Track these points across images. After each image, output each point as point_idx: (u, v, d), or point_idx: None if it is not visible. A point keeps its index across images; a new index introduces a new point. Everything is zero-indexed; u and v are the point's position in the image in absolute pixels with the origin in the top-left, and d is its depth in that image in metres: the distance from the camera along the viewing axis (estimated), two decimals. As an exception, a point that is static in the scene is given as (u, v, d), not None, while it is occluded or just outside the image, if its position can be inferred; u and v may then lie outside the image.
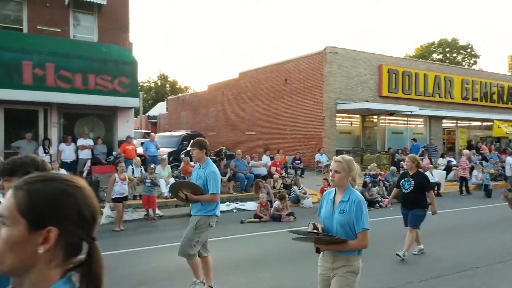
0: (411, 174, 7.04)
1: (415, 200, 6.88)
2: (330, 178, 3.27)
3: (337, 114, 19.82)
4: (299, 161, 17.18)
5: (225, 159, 14.38)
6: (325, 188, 10.84)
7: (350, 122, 21.57)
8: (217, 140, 24.49)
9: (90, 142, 13.08)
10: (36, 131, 12.92)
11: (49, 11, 13.08)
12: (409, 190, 6.93)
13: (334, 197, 3.27)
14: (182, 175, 13.11)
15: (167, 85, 57.78)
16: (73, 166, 12.56)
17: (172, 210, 11.42)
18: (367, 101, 19.67)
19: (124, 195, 9.62)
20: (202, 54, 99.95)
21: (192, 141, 5.59)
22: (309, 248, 3.62)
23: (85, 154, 12.81)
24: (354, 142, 21.58)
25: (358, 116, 21.48)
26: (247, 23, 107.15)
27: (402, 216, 7.23)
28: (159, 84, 57.49)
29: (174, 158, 15.85)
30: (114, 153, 13.65)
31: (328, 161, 16.55)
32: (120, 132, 14.14)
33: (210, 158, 5.86)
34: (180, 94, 40.64)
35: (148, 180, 10.39)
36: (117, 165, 10.26)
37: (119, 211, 9.47)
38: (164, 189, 11.82)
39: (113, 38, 14.01)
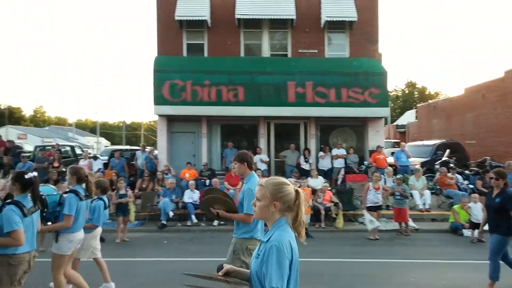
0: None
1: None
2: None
3: None
4: None
5: (490, 171, 12.48)
6: None
7: None
8: (478, 149, 21.58)
9: (343, 151, 13.84)
10: (297, 142, 14.67)
11: (308, 36, 14.73)
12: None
13: None
14: (438, 187, 12.18)
15: (415, 93, 55.21)
16: (329, 174, 13.57)
17: (429, 224, 10.76)
18: None
19: (377, 204, 9.69)
20: (448, 56, 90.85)
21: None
22: None
23: (339, 163, 13.62)
24: None
25: None
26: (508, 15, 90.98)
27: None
28: (407, 92, 55.56)
29: (428, 169, 14.91)
30: (365, 162, 13.99)
31: None
32: (370, 142, 14.41)
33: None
34: (430, 101, 38.07)
35: (397, 193, 10.06)
36: (372, 174, 10.42)
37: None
38: (419, 201, 11.25)
39: (363, 52, 14.50)
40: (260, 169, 12.65)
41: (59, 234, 4.76)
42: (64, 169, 14.08)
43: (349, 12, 14.31)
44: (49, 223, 4.67)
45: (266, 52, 15.04)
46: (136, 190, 12.25)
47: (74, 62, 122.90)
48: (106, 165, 14.67)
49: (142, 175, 12.96)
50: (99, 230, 5.67)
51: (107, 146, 40.94)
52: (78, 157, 17.41)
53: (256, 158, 13.68)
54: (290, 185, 2.32)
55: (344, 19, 14.36)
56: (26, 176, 3.90)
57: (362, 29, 14.67)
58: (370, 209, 9.60)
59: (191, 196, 11.21)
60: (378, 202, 9.71)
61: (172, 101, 13.59)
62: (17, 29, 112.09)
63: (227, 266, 2.35)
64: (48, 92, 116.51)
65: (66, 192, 4.85)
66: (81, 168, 5.25)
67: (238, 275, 2.35)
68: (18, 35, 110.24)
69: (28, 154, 15.96)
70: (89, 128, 76.08)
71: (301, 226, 2.27)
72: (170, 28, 14.64)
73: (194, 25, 14.78)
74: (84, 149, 21.26)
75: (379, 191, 9.74)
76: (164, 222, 10.50)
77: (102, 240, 9.06)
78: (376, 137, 14.46)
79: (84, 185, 4.94)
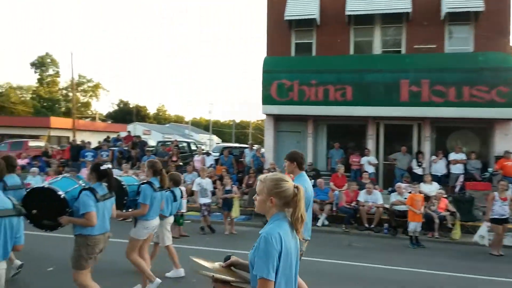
0: None
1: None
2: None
3: None
4: None
5: None
6: None
7: None
8: None
9: (462, 156, 12.55)
10: (410, 144, 13.72)
11: (425, 30, 13.66)
12: None
13: None
14: None
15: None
16: (443, 180, 12.44)
17: None
18: None
19: (504, 217, 8.58)
20: None
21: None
22: None
23: (457, 169, 12.40)
24: None
25: None
26: None
27: None
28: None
29: None
30: (489, 169, 12.48)
31: None
32: (497, 147, 12.80)
33: None
34: None
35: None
36: (498, 182, 9.27)
37: (498, 234, 8.53)
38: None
39: (490, 45, 12.93)
40: (367, 172, 12.15)
41: (137, 220, 5.25)
42: (181, 163, 15.35)
43: (474, 2, 12.90)
44: (130, 210, 5.27)
45: (377, 49, 14.37)
46: (244, 186, 12.75)
47: (189, 64, 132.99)
48: (217, 161, 15.56)
49: (249, 172, 13.45)
50: (170, 219, 6.17)
51: (218, 143, 43.41)
52: (193, 153, 18.77)
53: (363, 160, 13.20)
54: (289, 182, 2.33)
55: (468, 9, 12.98)
56: (101, 167, 4.43)
57: (490, 20, 13.08)
58: (495, 221, 8.54)
59: (296, 195, 11.25)
60: (504, 214, 8.58)
61: (279, 100, 13.81)
62: (147, 35, 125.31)
63: (233, 258, 2.39)
64: (169, 92, 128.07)
65: (142, 183, 5.34)
66: (157, 162, 5.65)
67: (243, 267, 2.38)
68: (146, 43, 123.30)
69: (151, 149, 17.70)
70: (203, 126, 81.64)
71: (299, 221, 2.27)
72: (280, 28, 14.88)
73: (303, 24, 14.79)
74: (198, 146, 22.87)
75: (506, 202, 8.61)
76: (268, 219, 10.73)
77: (212, 231, 9.74)
78: (504, 141, 12.78)
79: (159, 178, 5.40)
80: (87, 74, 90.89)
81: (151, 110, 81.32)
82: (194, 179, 11.12)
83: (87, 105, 69.12)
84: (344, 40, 14.45)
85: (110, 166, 4.58)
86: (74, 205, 4.25)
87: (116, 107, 75.66)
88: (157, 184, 5.35)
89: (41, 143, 24.28)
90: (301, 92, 13.61)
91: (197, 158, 15.21)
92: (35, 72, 64.09)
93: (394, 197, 10.50)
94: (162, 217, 5.90)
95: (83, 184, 4.54)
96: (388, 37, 14.62)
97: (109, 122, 61.50)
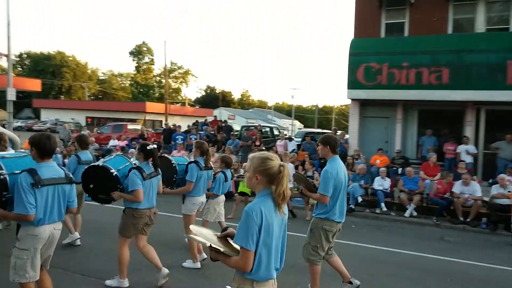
0: None
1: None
2: None
3: None
4: None
5: None
6: None
7: None
8: None
9: None
10: (516, 132, 12.28)
11: (540, 3, 12.01)
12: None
13: None
14: None
15: None
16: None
17: None
18: None
19: None
20: None
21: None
22: None
23: None
24: None
25: None
26: None
27: None
28: None
29: None
30: None
31: None
32: None
33: None
34: None
35: None
36: None
37: None
38: None
39: None
40: (464, 161, 11.18)
41: (185, 197, 5.66)
42: (263, 148, 15.56)
43: None
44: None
45: (480, 27, 13.00)
46: (327, 172, 12.54)
47: (274, 49, 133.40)
48: (299, 147, 15.49)
49: (333, 158, 13.16)
50: (222, 198, 6.25)
51: (301, 129, 43.22)
52: (276, 138, 18.92)
53: (460, 148, 12.16)
54: (275, 160, 2.43)
55: None
56: (148, 148, 4.76)
57: None
58: None
59: (382, 183, 10.78)
60: None
61: (367, 84, 13.23)
62: (231, 22, 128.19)
63: (229, 230, 2.50)
64: (253, 78, 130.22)
65: (190, 162, 5.69)
66: (204, 143, 5.94)
67: None
68: (232, 29, 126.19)
69: (236, 133, 18.22)
70: (285, 111, 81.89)
71: (281, 198, 2.37)
72: (369, 7, 14.17)
73: (395, 3, 13.90)
74: (281, 131, 22.98)
75: None
76: (352, 206, 10.45)
77: (293, 215, 9.75)
78: None
79: (205, 158, 5.73)
80: (178, 61, 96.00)
81: (236, 96, 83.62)
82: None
83: (177, 90, 73.28)
84: (442, 18, 13.29)
85: (155, 146, 4.87)
86: (124, 182, 4.65)
87: (203, 93, 79.14)
88: (202, 164, 5.66)
89: (137, 126, 26.34)
90: (391, 76, 12.87)
91: (279, 143, 15.28)
92: (133, 60, 69.48)
93: (495, 190, 9.53)
94: (214, 196, 6.11)
95: (134, 162, 4.91)
96: (493, 13, 13.13)
97: (197, 107, 64.57)
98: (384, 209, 10.38)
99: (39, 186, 3.36)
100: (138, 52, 69.01)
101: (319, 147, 4.68)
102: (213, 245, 2.33)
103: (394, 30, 14.14)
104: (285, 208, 2.45)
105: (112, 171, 4.65)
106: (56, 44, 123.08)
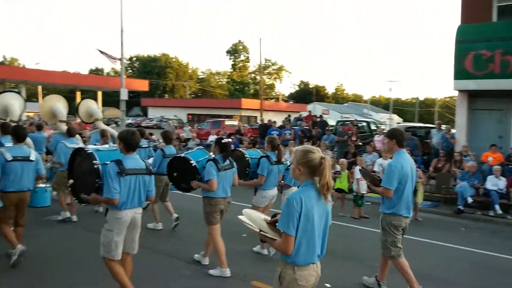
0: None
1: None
2: None
3: None
4: None
5: None
6: None
7: None
8: None
9: None
10: None
11: None
12: None
13: None
14: None
15: None
16: None
17: None
18: None
19: None
20: None
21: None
22: None
23: None
24: None
25: None
26: None
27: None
28: None
29: None
30: None
31: None
32: None
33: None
34: None
35: None
36: None
37: None
38: None
39: None
40: None
41: (256, 189, 5.92)
42: (360, 143, 15.16)
43: None
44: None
45: None
46: (430, 170, 11.79)
47: (367, 41, 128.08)
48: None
49: (437, 155, 12.30)
50: (293, 189, 6.12)
51: (399, 123, 41.00)
52: (373, 133, 18.26)
53: None
54: (316, 153, 2.61)
55: None
56: (222, 141, 5.13)
57: None
58: None
59: (496, 183, 9.78)
60: None
61: (476, 74, 12.06)
62: (320, 17, 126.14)
63: (277, 217, 2.64)
64: (346, 71, 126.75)
65: (262, 157, 5.93)
66: (275, 138, 6.24)
67: None
68: (321, 23, 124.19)
69: (331, 128, 17.98)
70: (382, 104, 78.31)
71: (325, 188, 2.54)
72: (479, -10, 12.89)
73: (511, -18, 12.45)
74: (378, 125, 22.08)
75: None
76: (461, 207, 9.67)
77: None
78: None
79: (276, 152, 5.92)
80: (272, 58, 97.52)
81: (330, 90, 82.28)
82: (375, 160, 10.83)
83: (271, 87, 74.55)
84: None
85: (230, 140, 5.31)
86: (202, 172, 5.07)
87: (297, 88, 79.35)
88: (274, 158, 5.87)
89: (234, 122, 27.48)
90: (505, 63, 11.56)
91: (377, 138, 14.71)
92: (230, 59, 72.41)
93: None
94: (287, 187, 6.25)
95: (212, 156, 5.27)
96: None
97: (291, 102, 64.99)
98: (499, 211, 9.42)
99: (123, 175, 3.85)
100: (234, 51, 71.68)
101: (385, 140, 4.76)
102: (261, 231, 2.58)
103: (507, 13, 12.66)
104: (329, 197, 2.61)
105: (191, 162, 5.21)
106: (161, 47, 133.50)
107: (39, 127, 10.10)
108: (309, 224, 2.53)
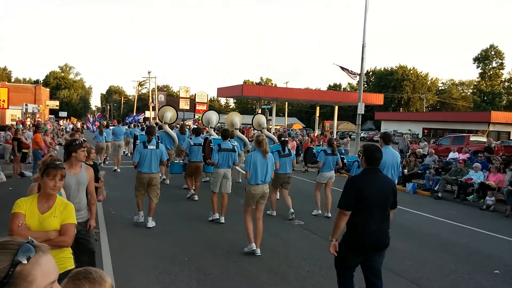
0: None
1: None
2: None
3: None
4: None
5: None
6: None
7: None
8: None
9: None
10: None
11: None
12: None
13: None
14: None
15: None
16: None
17: None
18: None
19: None
20: None
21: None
22: None
23: None
24: None
25: None
26: None
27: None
28: None
29: None
30: None
31: None
32: None
33: None
34: None
35: None
36: None
37: None
38: None
39: None
40: None
41: (319, 171, 8.86)
42: None
43: None
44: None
45: None
46: None
47: None
48: None
49: None
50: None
51: None
52: None
53: None
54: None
55: None
56: (281, 139, 8.58)
57: None
58: None
59: None
60: None
61: None
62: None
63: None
64: None
65: (321, 150, 8.76)
66: (331, 139, 9.21)
67: None
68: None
69: None
70: None
71: None
72: None
73: None
74: None
75: None
76: None
77: None
78: None
79: (331, 148, 8.76)
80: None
81: None
82: None
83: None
84: None
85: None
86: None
87: None
88: (328, 151, 8.61)
89: (482, 138, 24.07)
90: None
91: None
92: (477, 67, 63.76)
93: None
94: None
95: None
96: None
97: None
98: None
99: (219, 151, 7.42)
100: (484, 58, 62.83)
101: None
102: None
103: None
104: None
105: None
106: (398, 59, 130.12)
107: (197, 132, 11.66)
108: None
